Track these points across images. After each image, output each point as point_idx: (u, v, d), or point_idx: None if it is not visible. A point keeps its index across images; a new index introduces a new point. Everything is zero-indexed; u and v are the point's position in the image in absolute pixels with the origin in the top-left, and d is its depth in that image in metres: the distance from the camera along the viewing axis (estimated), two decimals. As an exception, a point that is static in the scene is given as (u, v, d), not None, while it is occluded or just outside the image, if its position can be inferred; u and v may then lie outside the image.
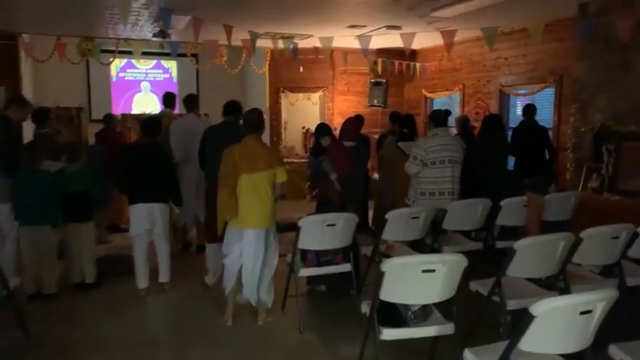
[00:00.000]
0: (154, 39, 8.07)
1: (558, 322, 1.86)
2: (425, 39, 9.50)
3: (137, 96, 11.48)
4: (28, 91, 8.64)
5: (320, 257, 3.53)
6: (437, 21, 7.40)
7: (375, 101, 10.17)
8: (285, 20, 8.02)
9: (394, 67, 9.84)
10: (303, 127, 9.89)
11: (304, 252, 3.54)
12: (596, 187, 6.13)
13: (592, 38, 6.22)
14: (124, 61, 11.23)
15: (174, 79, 11.73)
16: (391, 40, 9.51)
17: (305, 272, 3.48)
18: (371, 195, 6.79)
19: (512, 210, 4.14)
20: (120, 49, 9.00)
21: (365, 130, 8.70)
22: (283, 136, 10.26)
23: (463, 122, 6.91)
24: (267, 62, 10.16)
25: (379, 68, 9.94)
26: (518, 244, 2.74)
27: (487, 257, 4.05)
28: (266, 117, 10.56)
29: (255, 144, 3.43)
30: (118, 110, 11.03)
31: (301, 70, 10.21)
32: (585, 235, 2.99)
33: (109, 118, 6.68)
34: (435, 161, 4.29)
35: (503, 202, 4.13)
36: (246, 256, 3.37)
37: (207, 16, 5.92)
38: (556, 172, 6.48)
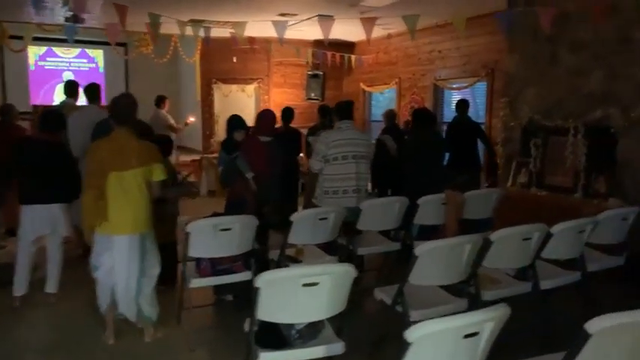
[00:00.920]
0: (67, 24, 7.43)
1: (438, 349, 1.58)
2: (362, 31, 9.26)
3: (59, 86, 10.69)
4: None
5: (215, 265, 3.16)
6: (369, 10, 7.14)
7: (312, 94, 9.87)
8: (212, 7, 7.58)
9: (334, 60, 9.54)
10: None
11: (198, 259, 3.16)
12: (525, 183, 6.06)
13: (521, 31, 6.12)
14: (44, 48, 10.45)
15: (101, 69, 11.02)
16: (333, 32, 9.24)
17: (197, 283, 3.09)
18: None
19: (429, 208, 3.91)
20: (38, 35, 8.29)
21: (302, 123, 8.41)
22: (215, 130, 9.78)
23: (390, 116, 6.69)
24: (198, 51, 9.63)
25: (309, 59, 9.62)
26: (420, 249, 2.48)
27: (405, 258, 3.79)
28: (197, 110, 10.11)
29: (126, 137, 3.01)
30: (37, 102, 10.24)
31: (235, 60, 9.77)
32: (495, 237, 2.77)
33: (5, 109, 6.03)
34: (338, 157, 3.95)
35: (420, 200, 3.89)
36: (118, 266, 2.94)
37: (130, 2, 5.41)
38: (497, 166, 6.33)
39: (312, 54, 9.60)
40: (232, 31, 8.90)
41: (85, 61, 10.86)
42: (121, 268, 2.92)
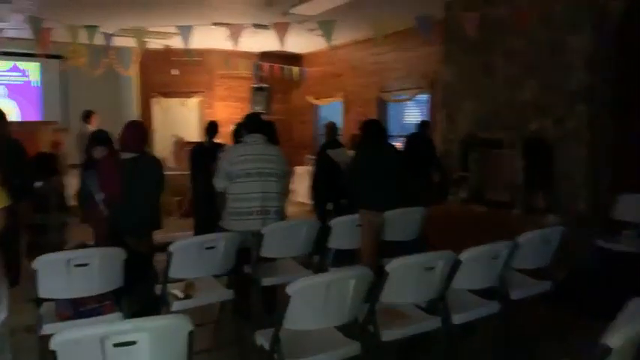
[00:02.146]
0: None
1: None
2: (309, 43, 8.98)
3: (-10, 101, 10.03)
4: None
5: (78, 306, 2.70)
6: (306, 20, 6.82)
7: (258, 108, 9.47)
8: (141, 16, 7.16)
9: (279, 72, 9.20)
10: (174, 136, 8.95)
11: (57, 300, 2.70)
12: (464, 198, 5.78)
13: (455, 40, 5.89)
14: (-28, 62, 9.80)
15: (36, 83, 10.40)
16: (275, 43, 8.91)
17: (51, 329, 2.60)
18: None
19: (342, 231, 3.53)
20: None
21: None
22: (153, 146, 9.26)
23: (332, 129, 6.35)
24: (136, 64, 9.15)
25: (254, 71, 9.28)
26: (290, 288, 2.08)
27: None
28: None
29: None
30: (-36, 118, 9.56)
31: (175, 72, 9.33)
32: (390, 267, 2.40)
33: None
34: (240, 174, 3.55)
35: (332, 222, 3.52)
36: None
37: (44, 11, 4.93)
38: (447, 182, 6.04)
39: (258, 66, 9.27)
40: (167, 43, 8.54)
41: (18, 74, 10.23)
42: None
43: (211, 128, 6.22)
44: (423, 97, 7.21)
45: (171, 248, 2.84)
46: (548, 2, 4.83)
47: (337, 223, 3.52)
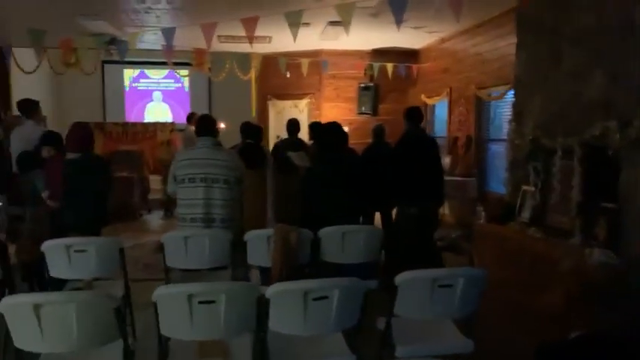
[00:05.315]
0: (109, 47, 8.02)
1: None
2: (425, 37, 8.28)
3: (149, 105, 11.73)
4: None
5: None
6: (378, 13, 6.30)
7: (363, 108, 9.13)
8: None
9: (393, 70, 8.74)
10: (278, 137, 9.17)
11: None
12: (526, 220, 4.66)
13: (526, 21, 4.79)
14: (137, 71, 11.56)
15: (186, 89, 11.78)
16: (390, 39, 8.48)
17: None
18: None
19: (256, 246, 3.14)
20: (129, 59, 9.19)
21: (357, 139, 7.70)
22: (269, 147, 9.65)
23: (379, 131, 5.79)
24: (254, 68, 9.64)
25: (369, 71, 8.94)
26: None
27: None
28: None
29: None
30: (131, 119, 11.37)
31: (288, 75, 9.55)
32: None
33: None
34: (185, 179, 3.42)
35: (247, 235, 3.16)
36: None
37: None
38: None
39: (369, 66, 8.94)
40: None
41: (172, 81, 11.72)
42: None
43: (292, 126, 6.10)
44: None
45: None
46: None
47: (250, 237, 3.16)
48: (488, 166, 6.93)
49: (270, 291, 2.13)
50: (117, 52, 7.49)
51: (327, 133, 3.85)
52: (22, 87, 9.05)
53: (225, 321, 2.11)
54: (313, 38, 8.40)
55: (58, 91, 10.76)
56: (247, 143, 4.65)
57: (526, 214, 4.70)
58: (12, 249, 4.45)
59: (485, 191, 6.81)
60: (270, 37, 8.38)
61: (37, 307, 1.96)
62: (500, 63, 6.18)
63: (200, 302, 2.08)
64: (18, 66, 8.46)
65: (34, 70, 8.61)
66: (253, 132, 4.76)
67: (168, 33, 6.22)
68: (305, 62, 8.26)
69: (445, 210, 7.74)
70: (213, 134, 3.60)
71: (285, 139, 5.99)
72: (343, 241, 3.18)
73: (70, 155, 3.58)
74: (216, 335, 2.19)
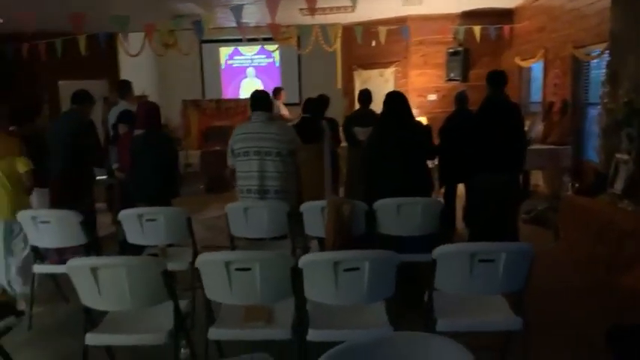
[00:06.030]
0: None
1: None
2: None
3: (244, 81, 12.18)
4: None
5: (62, 254, 3.36)
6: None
7: (452, 74, 8.73)
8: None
9: (483, 32, 8.26)
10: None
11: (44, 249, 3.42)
12: (618, 192, 4.26)
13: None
14: (232, 49, 12.04)
15: (277, 64, 12.05)
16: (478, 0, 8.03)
17: (39, 269, 3.34)
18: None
19: (312, 217, 3.20)
20: (223, 37, 9.60)
21: (445, 109, 7.45)
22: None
23: (461, 99, 5.49)
24: (339, 39, 9.58)
25: (457, 35, 8.51)
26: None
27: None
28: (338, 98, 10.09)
29: None
30: (227, 95, 11.93)
31: (373, 44, 9.36)
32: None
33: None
34: (240, 153, 3.57)
35: (303, 207, 3.23)
36: None
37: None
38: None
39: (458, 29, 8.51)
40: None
41: (264, 56, 12.03)
42: None
43: (363, 97, 6.03)
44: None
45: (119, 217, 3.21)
46: None
47: (307, 208, 3.23)
48: (585, 134, 6.35)
49: (303, 261, 2.20)
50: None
51: (386, 103, 3.73)
52: (129, 69, 9.85)
53: (260, 287, 2.22)
54: (397, 3, 8.15)
55: (162, 71, 11.55)
56: (303, 118, 4.71)
57: (618, 186, 4.30)
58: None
59: (582, 160, 6.26)
60: (352, 7, 8.24)
61: (94, 270, 2.20)
62: (600, 18, 5.56)
63: (237, 269, 2.20)
64: (124, 50, 9.18)
65: (138, 54, 9.30)
66: (311, 106, 4.80)
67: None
68: (383, 30, 8.02)
69: (539, 181, 7.26)
70: (266, 108, 3.69)
71: (357, 110, 5.95)
72: (399, 214, 3.14)
73: (138, 132, 3.91)
74: (253, 300, 2.30)
